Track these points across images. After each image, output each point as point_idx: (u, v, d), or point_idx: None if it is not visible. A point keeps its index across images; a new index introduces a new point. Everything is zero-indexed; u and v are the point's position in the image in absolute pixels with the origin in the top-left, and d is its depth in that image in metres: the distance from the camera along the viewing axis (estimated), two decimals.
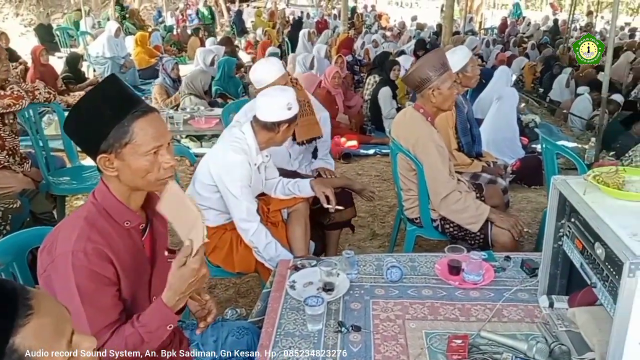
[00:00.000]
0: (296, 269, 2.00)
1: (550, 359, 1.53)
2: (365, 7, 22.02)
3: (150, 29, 13.28)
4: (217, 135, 4.12)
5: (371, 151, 5.55)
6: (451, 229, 2.66)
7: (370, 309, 1.78)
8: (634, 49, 11.81)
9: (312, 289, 1.86)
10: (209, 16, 16.33)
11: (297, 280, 1.92)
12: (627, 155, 4.02)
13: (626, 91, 8.63)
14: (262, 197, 2.52)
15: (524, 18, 17.64)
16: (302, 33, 10.15)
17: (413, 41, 10.45)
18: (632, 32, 16.34)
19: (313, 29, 12.20)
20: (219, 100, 5.78)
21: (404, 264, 2.07)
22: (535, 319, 1.74)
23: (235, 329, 1.76)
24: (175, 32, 13.81)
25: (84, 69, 8.41)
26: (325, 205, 2.45)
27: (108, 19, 12.27)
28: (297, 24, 13.25)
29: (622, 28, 16.87)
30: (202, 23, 15.47)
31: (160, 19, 17.01)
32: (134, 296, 1.40)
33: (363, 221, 3.81)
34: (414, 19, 18.31)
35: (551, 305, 1.77)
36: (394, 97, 6.14)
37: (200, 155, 2.79)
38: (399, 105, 6.06)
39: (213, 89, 5.99)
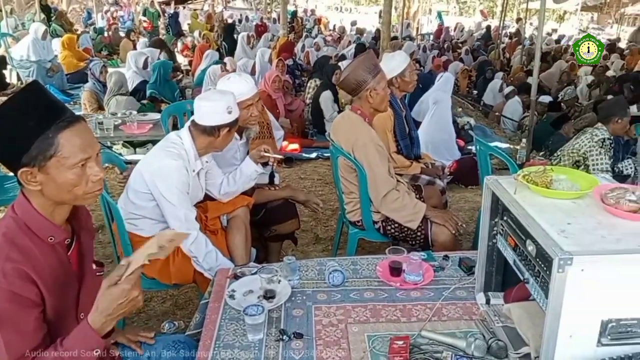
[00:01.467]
0: (236, 277, 1.95)
1: (488, 355, 1.56)
2: (305, 11, 22.12)
3: (79, 31, 12.73)
4: (152, 141, 3.98)
5: (313, 155, 5.55)
6: (393, 231, 2.68)
7: (312, 315, 1.76)
8: (560, 54, 12.51)
9: (252, 297, 1.82)
10: (157, 16, 15.72)
11: (236, 289, 1.86)
12: (555, 154, 4.24)
13: (555, 94, 9.12)
14: (199, 204, 2.45)
15: (447, 28, 18.31)
16: (241, 36, 10.05)
17: (353, 45, 10.57)
18: (559, 38, 17.32)
19: (252, 33, 12.12)
20: (145, 102, 5.58)
21: (346, 267, 2.07)
22: (473, 316, 1.78)
23: (171, 343, 1.69)
24: (106, 35, 13.30)
25: (6, 72, 7.93)
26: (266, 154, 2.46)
27: (33, 21, 11.63)
28: (230, 28, 13.06)
29: (549, 34, 17.84)
30: (151, 23, 14.94)
31: (90, 21, 16.34)
32: (60, 315, 1.31)
33: (306, 225, 3.79)
34: (353, 23, 18.57)
35: (488, 301, 1.82)
36: (336, 100, 6.17)
37: (135, 163, 2.67)
38: (341, 109, 6.09)
39: (147, 92, 5.80)
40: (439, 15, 20.45)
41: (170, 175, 2.15)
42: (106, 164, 3.54)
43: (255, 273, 1.95)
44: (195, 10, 19.50)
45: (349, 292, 1.90)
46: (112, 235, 2.39)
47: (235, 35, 11.81)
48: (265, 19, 17.83)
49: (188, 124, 2.32)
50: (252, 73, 6.66)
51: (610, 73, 10.15)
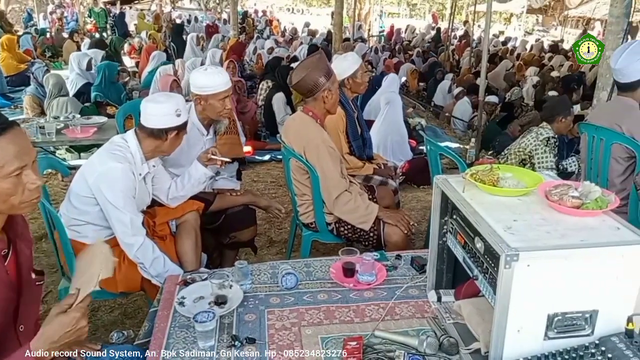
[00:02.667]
0: (185, 284, 1.89)
1: (440, 352, 1.58)
2: (256, 12, 21.98)
3: (19, 32, 12.17)
4: (98, 145, 3.83)
5: (266, 157, 5.50)
6: (346, 232, 2.68)
7: (265, 319, 1.73)
8: (507, 55, 12.97)
9: (203, 303, 1.77)
10: (103, 16, 15.15)
11: (186, 296, 1.81)
12: (503, 153, 4.37)
13: (503, 94, 9.42)
14: (147, 210, 2.37)
15: (398, 29, 18.64)
16: (190, 37, 9.88)
17: (305, 47, 10.57)
18: (506, 40, 17.93)
19: (202, 34, 11.92)
20: (88, 105, 5.38)
21: (300, 270, 2.05)
22: (425, 314, 1.79)
23: (119, 353, 1.62)
24: (49, 36, 12.76)
25: None
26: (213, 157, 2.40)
27: None
28: (178, 28, 12.81)
29: (496, 36, 18.43)
30: (95, 25, 14.39)
31: (30, 22, 15.64)
32: None
33: (260, 228, 3.73)
34: (307, 25, 18.61)
35: (439, 299, 1.84)
36: (288, 102, 6.15)
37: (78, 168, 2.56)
38: (294, 110, 6.08)
39: (92, 95, 5.60)
40: (380, 16, 20.71)
41: (115, 178, 2.07)
42: (48, 170, 3.38)
43: (206, 279, 1.90)
44: (142, 10, 19.02)
45: (302, 295, 1.88)
46: (55, 243, 2.28)
47: (184, 36, 11.59)
48: (216, 20, 17.59)
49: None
50: None
51: (554, 74, 10.59)
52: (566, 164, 4.36)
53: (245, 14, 18.73)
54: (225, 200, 2.68)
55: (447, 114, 8.36)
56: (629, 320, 1.36)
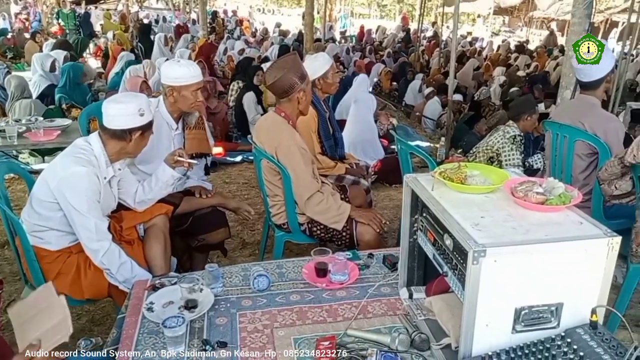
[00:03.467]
0: (154, 289, 1.86)
1: (411, 348, 1.59)
2: (226, 12, 21.80)
3: None
4: (63, 149, 3.73)
5: (238, 158, 5.45)
6: (318, 232, 2.68)
7: (237, 322, 1.72)
8: (474, 56, 13.19)
9: (173, 308, 1.74)
10: (72, 18, 14.68)
11: (155, 301, 1.78)
12: (471, 151, 4.45)
13: (473, 92, 9.58)
14: (113, 214, 2.32)
15: (369, 30, 18.74)
16: (158, 37, 9.73)
17: (276, 47, 10.54)
18: (473, 40, 18.24)
19: (171, 34, 11.77)
20: (52, 107, 5.24)
21: (272, 271, 2.05)
22: (397, 311, 1.81)
23: None
24: (9, 36, 12.38)
25: None
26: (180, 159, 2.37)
27: None
28: (146, 28, 12.60)
29: (464, 37, 18.74)
30: (62, 28, 13.99)
31: None
32: None
33: (232, 230, 3.68)
34: (278, 25, 18.56)
35: (410, 296, 1.86)
36: (259, 102, 6.12)
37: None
38: (265, 110, 6.05)
39: (56, 97, 5.45)
40: (343, 18, 20.80)
41: (78, 182, 2.02)
42: (10, 175, 3.28)
43: (175, 283, 1.87)
44: (108, 10, 18.64)
45: (274, 296, 1.87)
46: (17, 251, 2.21)
47: (152, 37, 11.41)
48: (186, 20, 17.38)
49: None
50: None
51: (520, 73, 10.83)
52: (532, 161, 4.47)
53: (214, 14, 18.56)
54: (192, 203, 2.65)
55: (417, 114, 8.45)
56: (593, 312, 1.40)
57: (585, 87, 2.89)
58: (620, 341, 1.32)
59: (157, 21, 17.04)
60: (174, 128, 2.63)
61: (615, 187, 2.39)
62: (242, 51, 10.31)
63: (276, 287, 1.94)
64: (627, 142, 2.56)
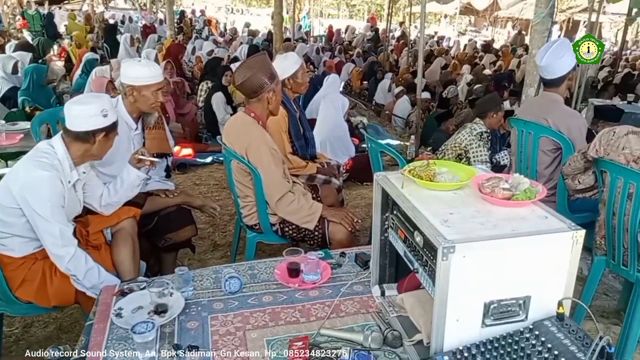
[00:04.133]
0: (123, 294, 1.82)
1: (384, 345, 1.60)
2: (194, 12, 21.54)
3: None
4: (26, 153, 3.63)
5: (208, 159, 5.39)
6: (290, 232, 2.67)
7: (208, 326, 1.70)
8: (442, 55, 13.39)
9: (142, 314, 1.71)
10: (38, 19, 14.19)
11: (124, 306, 1.74)
12: (440, 149, 4.51)
13: (440, 92, 9.71)
14: (79, 218, 2.26)
15: (338, 30, 18.78)
16: (124, 38, 9.55)
17: (245, 47, 10.47)
18: (439, 40, 18.52)
19: (138, 34, 11.56)
20: (15, 110, 5.08)
21: (244, 273, 2.03)
22: (370, 309, 1.82)
23: None
24: None
25: None
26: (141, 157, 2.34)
27: None
28: (112, 29, 12.36)
29: (431, 36, 18.99)
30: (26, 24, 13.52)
31: None
32: None
33: (203, 232, 3.67)
34: (247, 25, 18.44)
35: (383, 293, 1.87)
36: (229, 102, 6.06)
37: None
38: (235, 111, 6.00)
39: (19, 99, 5.29)
40: (304, 17, 20.74)
41: (42, 187, 1.95)
42: None
43: (144, 288, 1.83)
44: (72, 11, 18.18)
45: (246, 298, 1.86)
46: None
47: (118, 37, 11.18)
48: (153, 21, 17.10)
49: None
50: None
51: (487, 72, 11.04)
52: (499, 158, 4.56)
53: (182, 14, 18.30)
54: (157, 202, 2.61)
55: (387, 112, 8.53)
56: (559, 304, 1.43)
57: (549, 84, 2.96)
58: (586, 332, 1.36)
59: (123, 22, 16.70)
60: (134, 128, 2.58)
61: (579, 182, 2.45)
62: (211, 52, 10.20)
63: (248, 288, 1.92)
64: (590, 137, 2.64)
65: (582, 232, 1.41)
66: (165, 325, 1.67)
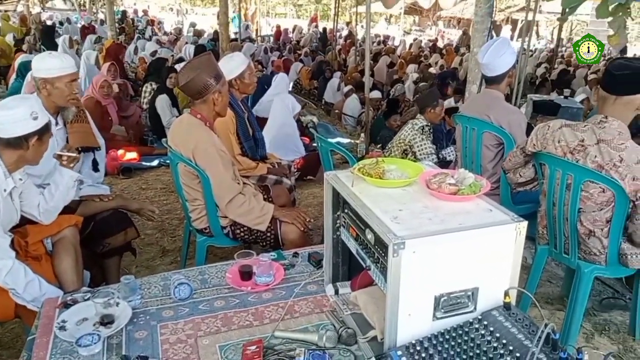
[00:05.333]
0: (66, 306, 1.74)
1: (339, 344, 1.60)
2: (136, 11, 20.96)
3: None
4: None
5: (155, 162, 5.24)
6: (242, 234, 2.64)
7: (158, 335, 1.65)
8: (390, 53, 13.62)
9: (87, 325, 1.64)
10: None
11: (67, 318, 1.66)
12: (387, 146, 4.59)
13: (387, 90, 9.87)
14: (17, 229, 2.14)
15: (285, 29, 18.74)
16: (62, 39, 9.15)
17: (191, 47, 10.27)
18: (384, 39, 18.83)
19: (77, 36, 11.11)
20: None
21: (194, 278, 1.99)
22: (324, 309, 1.81)
23: None
24: None
25: None
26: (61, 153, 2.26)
27: None
28: (49, 30, 11.86)
29: (377, 36, 19.26)
30: None
31: None
32: None
33: (151, 238, 3.57)
34: (192, 25, 18.11)
35: (336, 292, 1.87)
36: (174, 105, 5.92)
37: None
38: (180, 113, 5.87)
39: None
40: (235, 18, 20.52)
41: None
42: None
43: (88, 299, 1.76)
44: (6, 11, 17.26)
45: (197, 304, 1.82)
46: None
47: (56, 39, 10.72)
48: (92, 21, 16.50)
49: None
50: None
51: (432, 70, 11.30)
52: (445, 154, 4.68)
53: (124, 14, 17.76)
54: (91, 207, 2.51)
55: (337, 111, 8.58)
56: (506, 294, 1.48)
57: (490, 81, 3.06)
58: (532, 320, 1.40)
59: (61, 23, 16.04)
60: (54, 124, 2.47)
61: (520, 175, 2.55)
62: (154, 52, 9.95)
63: (199, 294, 1.88)
64: (530, 131, 2.74)
65: (525, 223, 1.45)
66: (112, 336, 1.61)
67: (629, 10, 3.79)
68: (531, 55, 11.58)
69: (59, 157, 2.23)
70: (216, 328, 1.69)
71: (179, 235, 3.64)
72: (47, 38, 10.89)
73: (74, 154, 2.28)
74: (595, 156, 2.11)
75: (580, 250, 2.29)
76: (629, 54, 17.80)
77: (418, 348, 1.38)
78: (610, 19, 3.71)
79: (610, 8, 3.63)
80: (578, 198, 2.18)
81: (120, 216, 2.62)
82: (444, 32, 25.08)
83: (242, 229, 2.61)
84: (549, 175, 2.30)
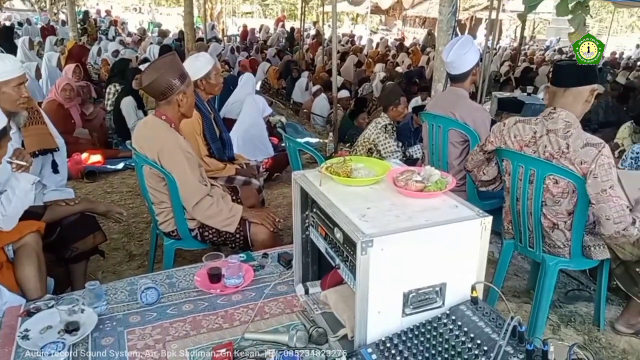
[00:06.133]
0: (29, 314, 1.68)
1: (310, 343, 1.60)
2: (98, 12, 20.49)
3: None
4: None
5: (120, 165, 5.13)
6: (211, 236, 2.61)
7: (125, 341, 1.61)
8: (357, 52, 13.70)
9: (52, 333, 1.59)
10: None
11: (30, 327, 1.61)
12: (354, 146, 4.62)
13: (355, 89, 9.92)
14: None
15: (252, 29, 18.61)
16: (22, 40, 8.87)
17: (155, 47, 10.10)
18: (350, 37, 18.94)
19: (38, 37, 10.79)
20: None
21: (161, 282, 1.96)
22: (294, 309, 1.81)
23: None
24: None
25: None
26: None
27: None
28: (8, 32, 11.49)
29: (345, 35, 19.36)
30: None
31: None
32: None
33: (117, 243, 3.49)
34: (157, 25, 17.82)
35: (307, 292, 1.87)
36: (140, 106, 5.80)
37: None
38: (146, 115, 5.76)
39: None
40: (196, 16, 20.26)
41: None
42: None
43: (52, 306, 1.71)
44: None
45: (165, 309, 1.79)
46: None
47: (16, 40, 10.39)
48: (52, 22, 16.05)
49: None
50: (38, 78, 5.93)
51: (399, 69, 11.43)
52: (412, 151, 4.74)
53: (86, 14, 17.34)
54: (57, 212, 2.44)
55: (305, 111, 8.58)
56: (473, 288, 1.50)
57: (455, 79, 3.10)
58: (499, 313, 1.43)
59: (20, 24, 15.54)
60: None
61: (484, 173, 2.60)
62: (116, 52, 9.73)
63: (167, 298, 1.85)
64: None
65: (490, 218, 1.48)
66: (77, 344, 1.57)
67: (587, 8, 3.91)
68: (495, 54, 11.82)
69: (9, 163, 2.15)
70: (185, 332, 1.66)
71: (146, 239, 3.58)
72: (6, 40, 10.53)
73: (22, 162, 2.18)
74: (546, 146, 2.19)
75: (545, 244, 2.35)
76: None
77: (388, 345, 1.39)
78: (570, 16, 3.82)
79: (570, 6, 3.73)
80: (541, 192, 2.23)
81: (87, 220, 2.56)
82: (403, 31, 25.28)
83: (210, 231, 2.58)
84: (512, 170, 2.35)
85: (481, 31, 18.91)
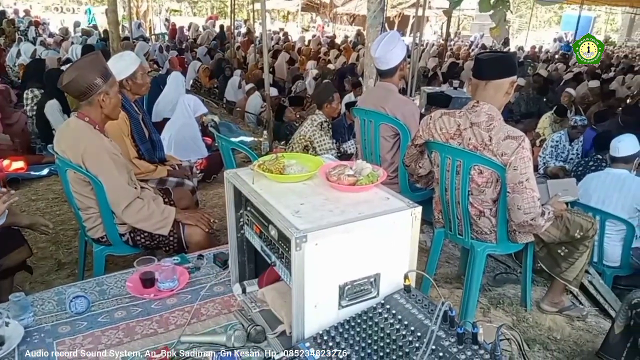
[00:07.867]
0: None
1: (248, 342, 1.59)
2: (16, 12, 19.25)
3: None
4: None
5: (44, 171, 4.85)
6: (143, 240, 2.52)
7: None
8: (289, 50, 13.70)
9: None
10: None
11: None
12: (289, 143, 4.64)
13: (289, 87, 9.93)
14: None
15: (181, 27, 18.21)
16: None
17: (78, 47, 9.62)
18: (285, 35, 18.92)
19: None
20: None
21: (91, 290, 1.88)
22: (232, 309, 1.80)
23: None
24: None
25: None
26: None
27: None
28: None
29: (276, 32, 19.28)
30: None
31: None
32: None
33: (45, 252, 3.31)
34: (77, 24, 17.00)
35: (244, 291, 1.86)
36: (65, 109, 5.51)
37: None
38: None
39: None
40: (88, 11, 19.49)
41: None
42: None
43: None
44: None
45: (96, 317, 1.73)
46: None
47: None
48: None
49: None
50: None
51: (331, 66, 11.54)
52: (346, 147, 4.82)
53: (2, 14, 16.23)
54: None
55: (239, 109, 8.48)
56: (406, 277, 1.55)
57: (384, 75, 3.18)
58: (431, 300, 1.49)
59: None
60: None
61: (420, 166, 2.68)
62: (34, 53, 9.19)
63: (97, 306, 1.79)
64: None
65: (419, 209, 1.54)
66: (3, 358, 1.48)
67: (508, 3, 4.13)
68: (423, 50, 12.20)
69: None
70: (118, 340, 1.61)
71: (75, 247, 3.41)
72: None
73: None
74: (470, 138, 2.29)
75: (473, 231, 2.46)
76: (511, 46, 19.48)
77: (325, 338, 1.41)
78: (491, 12, 4.02)
79: (491, 2, 3.93)
80: (467, 182, 2.34)
81: (12, 234, 2.39)
82: (324, 27, 25.48)
83: (142, 235, 2.50)
84: (440, 162, 2.44)
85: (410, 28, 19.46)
